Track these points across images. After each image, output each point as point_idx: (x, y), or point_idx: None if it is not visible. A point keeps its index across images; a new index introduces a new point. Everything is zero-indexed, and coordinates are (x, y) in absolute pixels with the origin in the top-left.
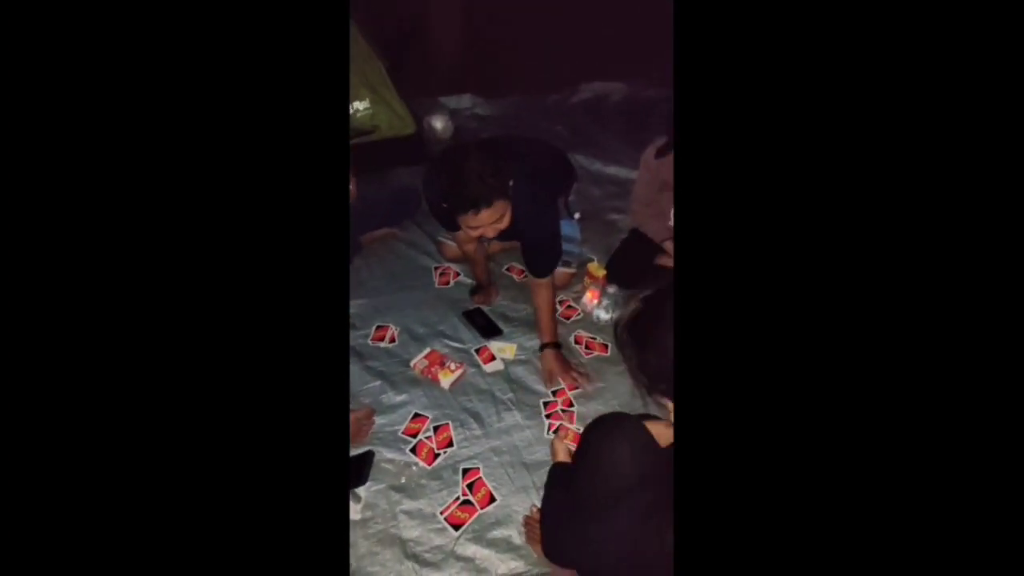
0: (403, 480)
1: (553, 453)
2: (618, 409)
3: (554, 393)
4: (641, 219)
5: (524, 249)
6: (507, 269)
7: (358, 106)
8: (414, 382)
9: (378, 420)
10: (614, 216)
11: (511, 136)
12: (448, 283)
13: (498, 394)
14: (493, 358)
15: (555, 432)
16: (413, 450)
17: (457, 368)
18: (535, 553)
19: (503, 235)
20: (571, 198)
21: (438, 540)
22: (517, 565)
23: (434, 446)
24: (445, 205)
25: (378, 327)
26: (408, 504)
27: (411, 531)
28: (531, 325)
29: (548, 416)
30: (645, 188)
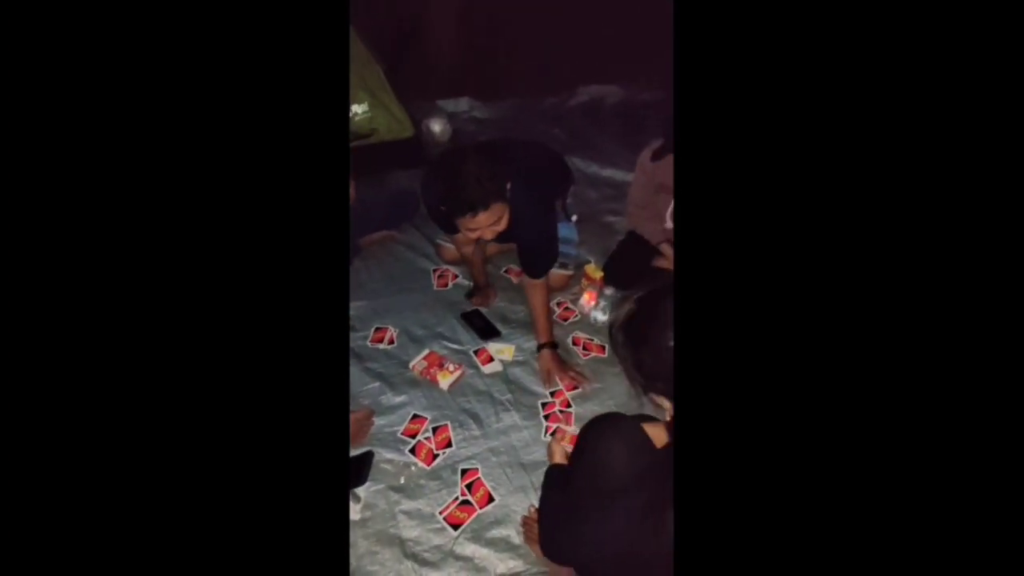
0: (402, 480)
1: (550, 455)
2: (615, 410)
3: (552, 394)
4: (637, 221)
5: (520, 250)
6: (505, 271)
7: (357, 110)
8: (413, 383)
9: (377, 421)
10: (611, 218)
11: (509, 139)
12: (446, 285)
13: (496, 395)
14: (491, 359)
15: (552, 435)
16: (412, 450)
17: (456, 369)
18: (533, 552)
19: (501, 237)
20: (568, 200)
21: (437, 540)
22: (516, 564)
23: (433, 447)
24: (443, 208)
25: (377, 329)
26: (407, 504)
27: (410, 531)
28: (529, 327)
29: (546, 417)
30: (641, 191)
